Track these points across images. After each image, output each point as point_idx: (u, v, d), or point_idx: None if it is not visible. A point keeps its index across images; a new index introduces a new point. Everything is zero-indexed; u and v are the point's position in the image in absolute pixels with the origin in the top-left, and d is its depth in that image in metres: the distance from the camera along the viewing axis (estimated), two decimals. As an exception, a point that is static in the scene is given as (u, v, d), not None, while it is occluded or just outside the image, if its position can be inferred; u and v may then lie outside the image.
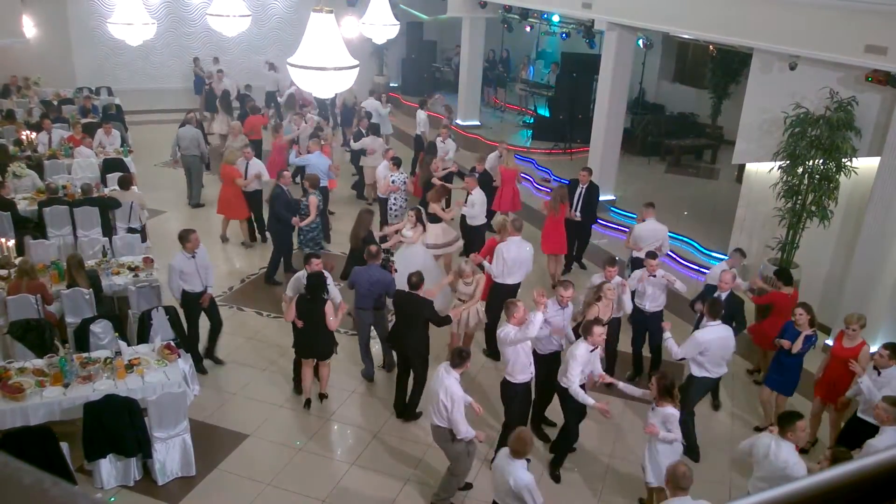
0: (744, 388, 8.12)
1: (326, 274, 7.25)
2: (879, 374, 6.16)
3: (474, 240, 10.24)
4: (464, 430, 5.55)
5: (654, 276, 7.56)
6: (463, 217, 10.33)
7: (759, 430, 7.34)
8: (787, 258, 8.90)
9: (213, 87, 16.35)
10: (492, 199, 11.13)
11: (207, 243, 11.15)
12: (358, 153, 13.10)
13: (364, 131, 13.06)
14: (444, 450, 5.86)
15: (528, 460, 4.94)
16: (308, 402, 7.29)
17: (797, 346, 6.71)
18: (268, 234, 10.61)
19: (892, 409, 5.34)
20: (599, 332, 6.01)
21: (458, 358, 5.58)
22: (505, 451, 4.95)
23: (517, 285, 8.17)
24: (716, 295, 7.17)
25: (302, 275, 7.22)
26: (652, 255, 7.86)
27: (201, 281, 7.47)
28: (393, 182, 10.73)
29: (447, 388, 5.50)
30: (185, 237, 7.38)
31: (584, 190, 10.28)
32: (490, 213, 11.13)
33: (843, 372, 6.53)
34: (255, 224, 11.25)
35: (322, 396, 7.44)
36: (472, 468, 6.14)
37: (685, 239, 11.09)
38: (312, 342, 7.06)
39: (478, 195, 10.18)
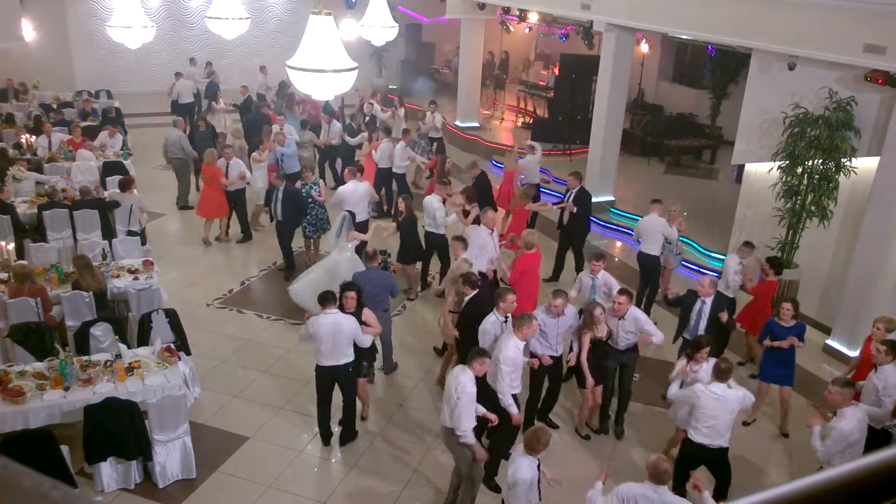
0: (745, 384, 8.07)
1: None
2: (875, 370, 6.12)
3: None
4: (465, 425, 5.35)
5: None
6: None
7: (745, 424, 7.37)
8: (787, 258, 8.91)
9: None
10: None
11: (196, 246, 11.23)
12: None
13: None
14: (454, 454, 5.70)
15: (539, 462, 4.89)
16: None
17: (788, 342, 6.84)
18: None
19: (844, 389, 5.45)
20: (534, 325, 5.98)
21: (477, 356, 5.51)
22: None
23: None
24: (698, 301, 7.01)
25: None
26: (599, 255, 7.60)
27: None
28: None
29: (460, 382, 5.36)
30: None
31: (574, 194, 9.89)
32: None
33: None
34: (241, 222, 11.27)
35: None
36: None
37: (685, 240, 11.05)
38: None
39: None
